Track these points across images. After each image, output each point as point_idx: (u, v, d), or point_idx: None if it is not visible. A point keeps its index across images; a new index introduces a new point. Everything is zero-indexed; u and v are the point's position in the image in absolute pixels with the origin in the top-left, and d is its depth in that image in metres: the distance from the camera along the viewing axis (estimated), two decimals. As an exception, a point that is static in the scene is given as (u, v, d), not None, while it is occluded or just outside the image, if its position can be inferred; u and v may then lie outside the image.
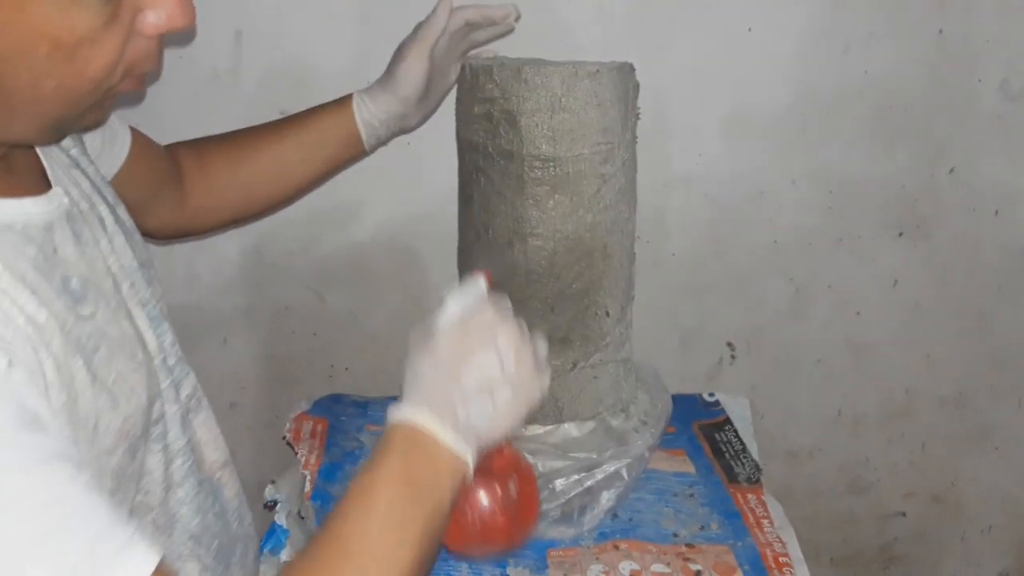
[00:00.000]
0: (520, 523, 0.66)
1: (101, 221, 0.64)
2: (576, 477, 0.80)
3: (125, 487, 0.58)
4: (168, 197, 0.87)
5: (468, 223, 0.79)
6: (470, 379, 0.60)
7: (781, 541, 0.83)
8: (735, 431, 0.99)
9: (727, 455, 0.96)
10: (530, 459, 0.78)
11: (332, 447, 0.97)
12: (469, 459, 0.59)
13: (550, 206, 0.74)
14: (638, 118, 0.81)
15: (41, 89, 0.51)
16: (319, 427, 0.99)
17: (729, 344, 1.31)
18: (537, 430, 0.82)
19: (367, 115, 0.89)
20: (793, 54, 1.16)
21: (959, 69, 1.19)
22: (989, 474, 1.40)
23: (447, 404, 0.59)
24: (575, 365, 0.79)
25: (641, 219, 1.23)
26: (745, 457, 0.95)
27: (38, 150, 0.63)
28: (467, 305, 0.63)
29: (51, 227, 0.57)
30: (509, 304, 0.64)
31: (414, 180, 1.18)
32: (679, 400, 1.06)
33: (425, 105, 0.89)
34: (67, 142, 0.68)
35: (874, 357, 1.32)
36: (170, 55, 1.09)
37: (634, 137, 0.81)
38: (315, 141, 0.90)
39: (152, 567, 0.46)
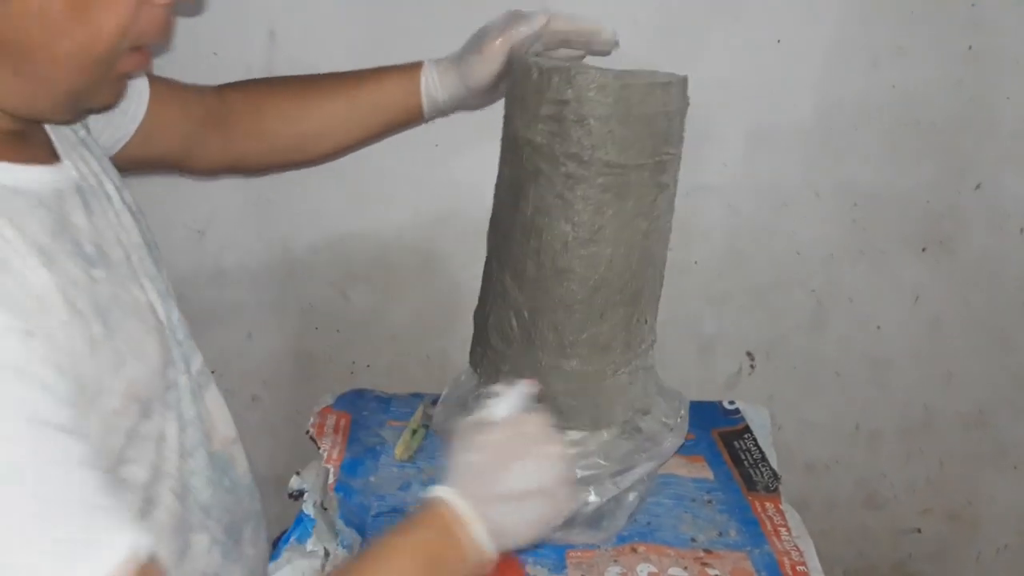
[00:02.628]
0: None
1: (108, 197, 0.66)
2: (612, 481, 0.80)
3: (140, 447, 0.59)
4: (212, 138, 0.88)
5: (514, 223, 0.79)
6: (510, 484, 0.61)
7: (798, 550, 0.83)
8: (754, 439, 1.00)
9: (746, 463, 0.96)
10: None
11: (354, 442, 0.98)
12: (493, 558, 0.61)
13: (611, 213, 0.75)
14: (683, 130, 0.82)
15: (56, 49, 0.53)
16: (342, 421, 1.00)
17: (749, 354, 1.31)
18: (575, 435, 0.82)
19: (432, 90, 0.87)
20: (821, 67, 1.16)
21: (987, 86, 1.19)
22: (1006, 493, 1.39)
23: (486, 501, 0.61)
24: (615, 372, 0.80)
25: (664, 227, 1.24)
26: (764, 466, 0.95)
27: (48, 128, 0.64)
28: (516, 407, 0.66)
29: (62, 195, 0.59)
30: (552, 420, 0.66)
31: (439, 180, 1.19)
32: (699, 407, 1.06)
33: (492, 95, 0.88)
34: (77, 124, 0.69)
35: (893, 372, 1.32)
36: (204, 53, 1.11)
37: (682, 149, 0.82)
38: (377, 103, 0.89)
39: (124, 555, 0.46)
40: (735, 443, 1.00)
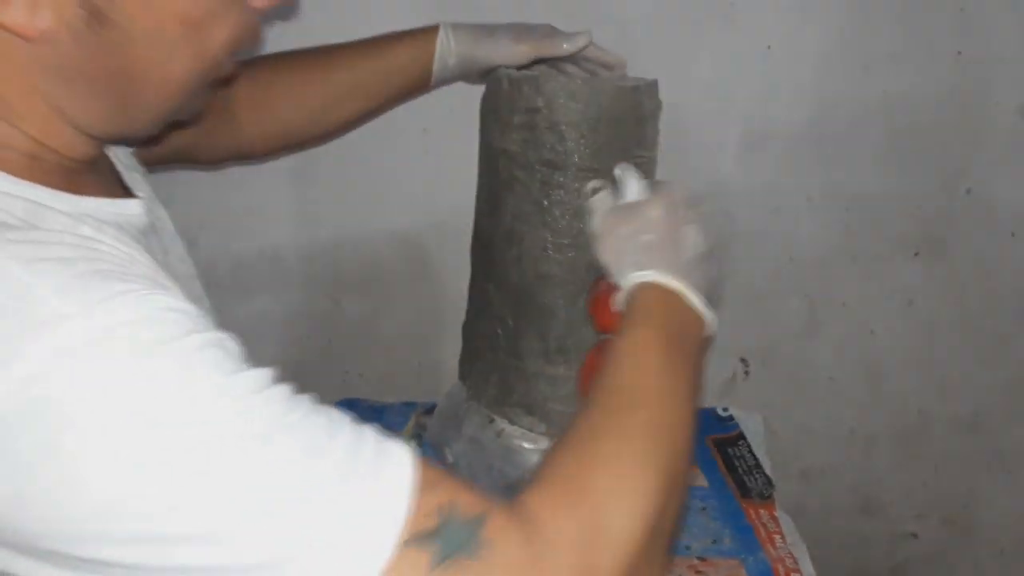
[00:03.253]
0: None
1: (165, 227, 0.65)
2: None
3: None
4: (221, 126, 0.86)
5: (494, 232, 0.79)
6: (691, 250, 0.63)
7: (792, 557, 0.83)
8: (748, 446, 0.99)
9: (740, 470, 0.96)
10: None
11: (346, 451, 0.97)
12: (711, 320, 0.62)
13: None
14: (658, 133, 0.82)
15: (168, 72, 0.51)
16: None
17: (743, 360, 1.31)
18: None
19: (447, 55, 0.86)
20: (812, 73, 1.16)
21: (977, 91, 1.19)
22: (1003, 497, 1.39)
23: (683, 270, 0.62)
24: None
25: (657, 233, 1.24)
26: (758, 472, 0.95)
27: (112, 156, 0.63)
28: (640, 184, 0.68)
29: (146, 233, 0.57)
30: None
31: (430, 188, 1.19)
32: (693, 414, 1.06)
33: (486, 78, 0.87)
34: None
35: (888, 377, 1.32)
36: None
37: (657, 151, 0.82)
38: (388, 69, 0.88)
39: (412, 459, 0.46)
40: (729, 450, 0.99)
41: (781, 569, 0.81)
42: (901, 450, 1.36)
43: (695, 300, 0.61)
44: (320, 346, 1.27)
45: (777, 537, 0.86)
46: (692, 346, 0.59)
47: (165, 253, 0.61)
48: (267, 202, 1.20)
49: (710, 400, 1.28)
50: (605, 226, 0.65)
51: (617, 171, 0.68)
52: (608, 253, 0.64)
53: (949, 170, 1.23)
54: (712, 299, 0.64)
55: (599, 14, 1.11)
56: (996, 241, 1.26)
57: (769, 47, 1.15)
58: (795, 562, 0.82)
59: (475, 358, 0.86)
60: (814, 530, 1.40)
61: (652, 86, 0.78)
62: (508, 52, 0.83)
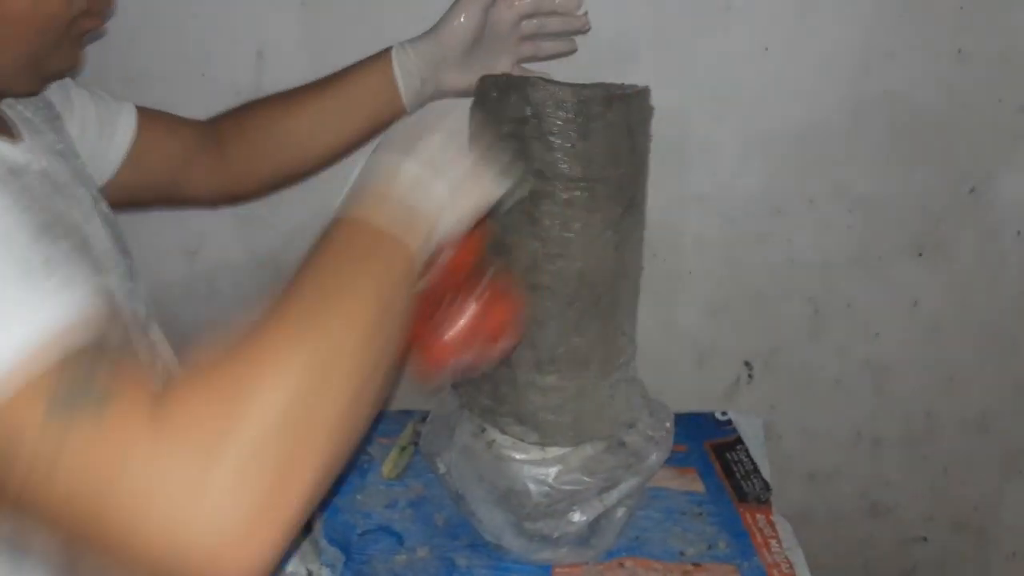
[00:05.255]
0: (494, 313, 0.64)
1: (79, 201, 0.67)
2: (597, 498, 0.80)
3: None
4: (204, 166, 0.89)
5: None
6: (418, 156, 0.58)
7: (789, 562, 0.82)
8: (747, 451, 0.99)
9: (738, 474, 0.95)
10: (553, 481, 0.78)
11: (341, 460, 0.98)
12: (411, 241, 0.56)
13: (579, 227, 0.74)
14: (650, 140, 0.82)
15: (8, 9, 0.54)
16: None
17: (746, 363, 1.30)
18: (557, 451, 0.81)
19: (405, 63, 0.86)
20: (810, 73, 1.15)
21: (979, 89, 1.18)
22: (1014, 499, 1.37)
23: (392, 186, 0.57)
24: (595, 385, 0.79)
25: (656, 237, 1.23)
26: (756, 477, 0.94)
27: (21, 126, 0.66)
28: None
29: (26, 171, 0.61)
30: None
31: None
32: (692, 419, 1.06)
33: (468, 69, 0.87)
34: (54, 137, 0.70)
35: (894, 379, 1.31)
36: (192, 73, 1.12)
37: (648, 159, 0.82)
38: (353, 98, 0.89)
39: (82, 306, 0.45)
40: (727, 454, 0.99)
41: (776, 574, 0.80)
42: (909, 453, 1.35)
43: (383, 222, 0.56)
44: (322, 355, 1.27)
45: (773, 542, 0.85)
46: (378, 266, 0.55)
47: (57, 195, 0.63)
48: (266, 212, 1.20)
49: (715, 404, 1.27)
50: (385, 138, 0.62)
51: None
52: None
53: (952, 170, 1.21)
54: (450, 211, 0.58)
55: (596, 17, 1.11)
56: (1001, 240, 1.25)
57: (767, 48, 1.15)
58: (791, 567, 0.81)
59: (467, 366, 0.86)
60: (821, 534, 1.40)
61: (643, 93, 0.78)
62: (459, 25, 0.84)
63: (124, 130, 0.82)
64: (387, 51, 0.89)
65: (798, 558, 0.82)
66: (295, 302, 0.54)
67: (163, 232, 1.20)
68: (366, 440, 1.02)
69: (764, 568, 0.81)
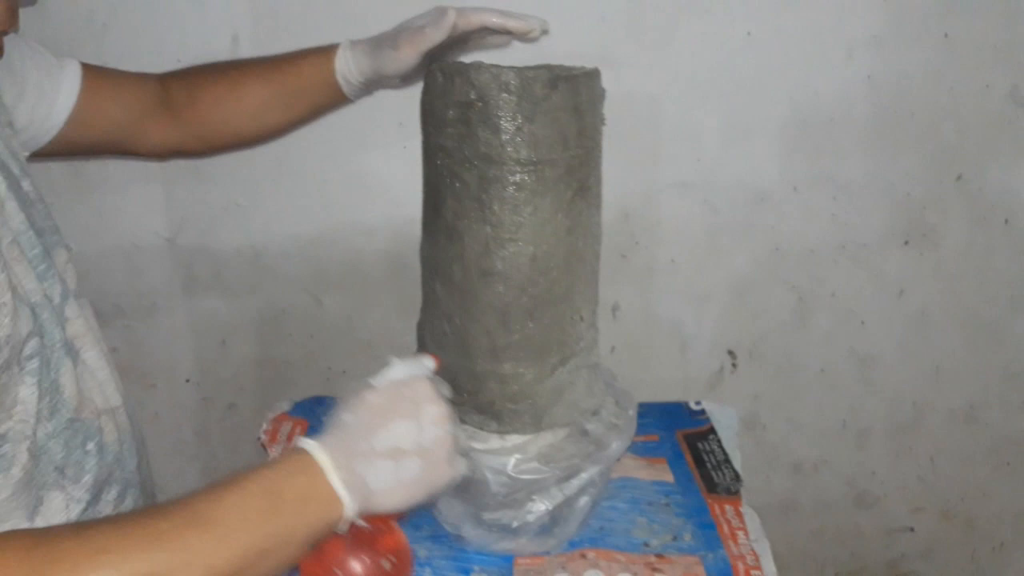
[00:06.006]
0: None
1: None
2: (557, 487, 0.79)
3: None
4: (155, 123, 0.90)
5: (437, 229, 0.78)
6: (383, 440, 0.60)
7: (754, 554, 0.81)
8: (719, 441, 0.97)
9: (708, 465, 0.94)
10: (511, 470, 0.77)
11: (308, 449, 0.97)
12: (346, 506, 0.58)
13: (529, 211, 0.73)
14: (604, 123, 0.80)
15: None
16: (298, 428, 0.99)
17: (730, 352, 1.29)
18: (517, 439, 0.80)
19: (347, 73, 0.88)
20: (794, 59, 1.14)
21: (966, 74, 1.16)
22: (1000, 489, 1.36)
23: (352, 454, 0.59)
24: (553, 372, 0.78)
25: (639, 225, 1.22)
26: (727, 467, 0.93)
27: None
28: (408, 374, 0.64)
29: None
30: (447, 390, 0.65)
31: (408, 182, 1.17)
32: (665, 408, 1.05)
33: (411, 81, 0.88)
34: None
35: (880, 368, 1.29)
36: (167, 57, 1.11)
37: (601, 142, 0.80)
38: (298, 87, 0.90)
39: None
40: (699, 444, 0.97)
41: (741, 567, 0.79)
42: (895, 443, 1.34)
43: (334, 480, 0.57)
44: (302, 343, 1.27)
45: (741, 534, 0.84)
46: (299, 510, 0.56)
47: None
48: (245, 200, 1.19)
49: (698, 394, 1.26)
50: (344, 395, 0.64)
51: (393, 357, 0.66)
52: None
53: (938, 156, 1.20)
54: (391, 498, 0.60)
55: (576, 6, 1.10)
56: (988, 228, 1.23)
57: (749, 33, 1.13)
58: (756, 560, 0.80)
59: (426, 356, 0.85)
60: (808, 524, 1.39)
61: (591, 75, 0.76)
62: (398, 62, 0.84)
63: (67, 93, 0.83)
64: (332, 51, 0.89)
65: (764, 550, 0.81)
66: (215, 500, 0.54)
67: (140, 219, 1.20)
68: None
69: (729, 560, 0.80)
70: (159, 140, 0.92)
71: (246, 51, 1.13)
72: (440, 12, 0.82)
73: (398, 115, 1.15)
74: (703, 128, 1.18)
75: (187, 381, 1.29)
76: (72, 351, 0.71)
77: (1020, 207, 1.22)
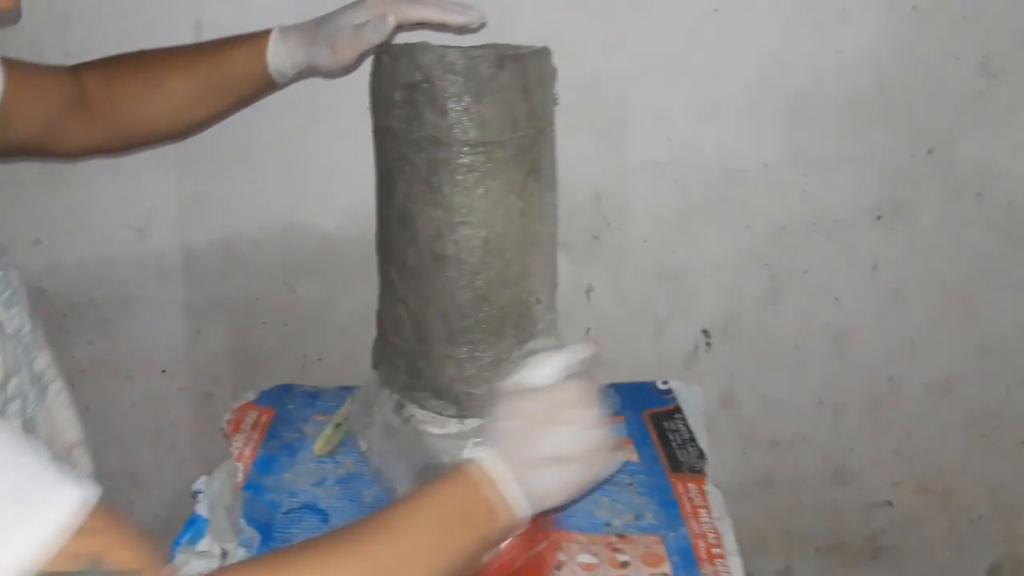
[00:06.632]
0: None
1: None
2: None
3: None
4: (74, 120, 0.86)
5: (390, 214, 0.78)
6: (550, 448, 0.62)
7: (716, 532, 0.81)
8: (684, 420, 0.98)
9: (674, 444, 0.94)
10: (468, 455, 0.77)
11: (272, 438, 0.97)
12: (522, 515, 0.61)
13: (480, 193, 0.73)
14: (556, 103, 0.80)
15: None
16: (263, 417, 1.00)
17: (704, 331, 1.29)
18: (475, 423, 0.81)
19: (281, 66, 0.86)
20: (762, 34, 1.13)
21: (936, 47, 1.15)
22: (978, 462, 1.36)
23: (522, 464, 0.61)
24: (510, 355, 0.78)
25: (611, 206, 1.22)
26: (692, 446, 0.93)
27: None
28: (562, 368, 0.66)
29: None
30: (599, 383, 0.67)
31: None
32: (633, 388, 1.05)
33: (347, 72, 0.88)
34: None
35: (855, 344, 1.29)
36: (130, 47, 1.10)
37: (554, 122, 0.80)
38: (227, 79, 0.88)
39: (79, 501, 0.45)
40: (665, 424, 0.98)
41: (702, 545, 0.79)
42: (872, 418, 1.34)
43: (510, 492, 0.60)
44: (277, 331, 1.27)
45: (703, 512, 0.84)
46: (481, 527, 0.60)
47: None
48: (214, 189, 1.19)
49: (673, 373, 1.26)
50: (499, 399, 0.66)
51: (535, 344, 0.70)
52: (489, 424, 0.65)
53: (910, 130, 1.19)
54: (553, 500, 0.63)
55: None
56: (961, 202, 1.23)
57: (716, 9, 1.13)
58: (718, 537, 0.80)
59: (385, 344, 0.85)
60: (786, 500, 1.39)
61: (540, 53, 0.76)
62: (333, 60, 0.83)
63: None
64: (264, 41, 0.87)
65: (726, 528, 0.82)
66: (400, 530, 0.57)
67: (109, 210, 1.19)
68: (301, 420, 1.01)
69: (690, 538, 0.80)
70: (79, 139, 0.87)
71: (209, 37, 1.12)
72: (380, 18, 0.80)
73: (364, 99, 1.14)
74: (672, 107, 1.17)
75: (163, 372, 1.29)
76: (41, 385, 0.69)
77: (992, 180, 1.21)
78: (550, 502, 0.63)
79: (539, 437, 0.62)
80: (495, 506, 0.60)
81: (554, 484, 0.62)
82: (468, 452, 0.62)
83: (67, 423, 0.72)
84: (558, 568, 0.76)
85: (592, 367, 0.67)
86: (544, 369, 0.66)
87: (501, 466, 0.60)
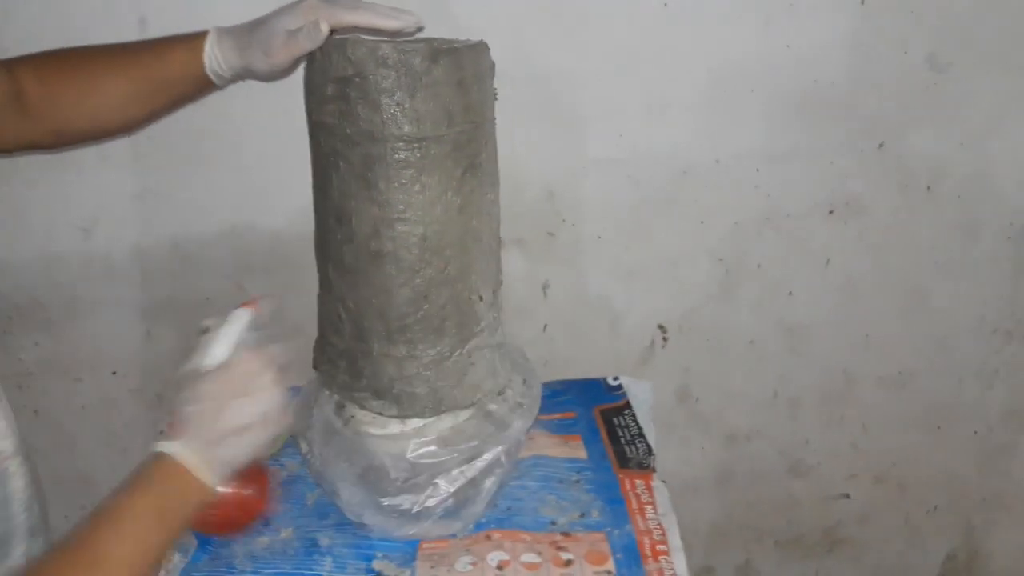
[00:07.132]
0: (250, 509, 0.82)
1: None
2: (459, 470, 0.79)
3: None
4: (8, 117, 0.85)
5: (327, 212, 0.77)
6: (230, 422, 0.67)
7: (661, 528, 0.81)
8: (634, 415, 0.97)
9: (623, 440, 0.94)
10: (409, 455, 0.77)
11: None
12: (214, 487, 0.67)
13: (416, 189, 0.72)
14: (496, 98, 0.79)
15: None
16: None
17: (660, 327, 1.29)
18: (417, 423, 0.80)
19: (217, 68, 0.86)
20: (711, 29, 1.13)
21: (884, 41, 1.16)
22: (932, 454, 1.37)
23: (208, 444, 0.67)
24: (451, 353, 0.77)
25: (565, 203, 1.22)
26: (640, 442, 0.93)
27: None
28: (230, 342, 0.72)
29: None
30: (273, 336, 0.73)
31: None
32: (584, 385, 1.05)
33: (284, 76, 0.86)
34: None
35: (809, 338, 1.30)
36: (73, 41, 1.08)
37: (494, 118, 0.79)
38: (163, 80, 0.87)
39: None
40: (614, 420, 0.97)
41: (647, 541, 0.79)
42: (827, 411, 1.35)
43: (204, 476, 0.66)
44: (228, 331, 1.25)
45: (649, 508, 0.84)
46: (184, 515, 0.66)
47: None
48: (161, 188, 1.17)
49: (629, 369, 1.26)
50: (177, 385, 0.70)
51: (206, 323, 0.74)
52: (170, 408, 0.70)
53: (860, 124, 1.20)
54: (239, 463, 0.69)
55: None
56: (911, 195, 1.23)
57: (665, 5, 1.12)
58: (663, 534, 0.80)
59: (326, 344, 0.84)
60: (743, 494, 1.40)
61: (477, 47, 0.75)
62: (269, 65, 0.82)
63: None
64: (200, 41, 0.86)
65: (671, 524, 0.81)
66: (111, 547, 0.61)
67: (54, 210, 1.17)
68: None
69: (635, 535, 0.80)
70: (11, 135, 0.86)
71: (154, 34, 1.10)
72: (313, 24, 0.78)
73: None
74: (623, 103, 1.17)
75: (113, 373, 1.27)
76: None
77: (941, 173, 1.22)
78: (238, 463, 0.68)
79: (219, 415, 0.67)
80: (190, 493, 0.65)
81: (240, 451, 0.68)
82: (160, 446, 0.66)
83: (2, 434, 0.71)
84: (500, 568, 0.76)
85: (272, 324, 0.71)
86: (215, 349, 0.71)
87: (188, 453, 0.65)
